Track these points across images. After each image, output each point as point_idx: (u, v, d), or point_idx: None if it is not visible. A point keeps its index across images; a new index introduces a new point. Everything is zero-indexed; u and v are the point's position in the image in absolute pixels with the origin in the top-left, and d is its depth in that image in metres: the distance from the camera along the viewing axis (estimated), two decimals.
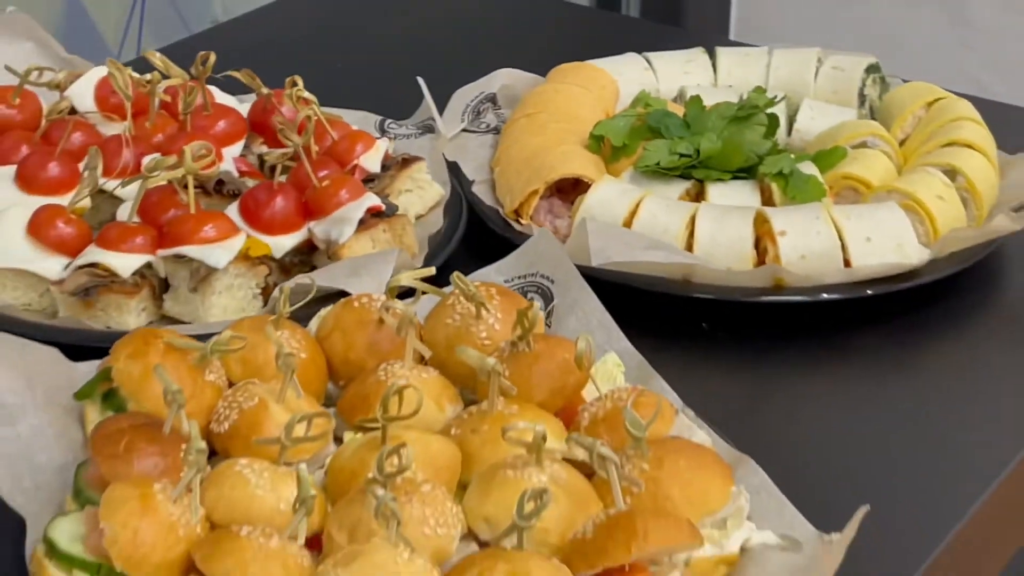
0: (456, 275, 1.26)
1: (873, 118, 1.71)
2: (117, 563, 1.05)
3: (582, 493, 1.11)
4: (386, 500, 1.03)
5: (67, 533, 1.09)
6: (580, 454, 1.12)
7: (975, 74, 2.86)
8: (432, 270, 1.29)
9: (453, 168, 1.62)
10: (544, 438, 1.10)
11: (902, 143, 1.65)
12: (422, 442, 1.13)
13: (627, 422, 1.12)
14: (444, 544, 1.07)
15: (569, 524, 1.08)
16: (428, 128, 1.68)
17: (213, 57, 1.56)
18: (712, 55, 1.78)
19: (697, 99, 1.60)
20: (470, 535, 1.10)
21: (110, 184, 1.48)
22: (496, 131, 1.69)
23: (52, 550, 1.07)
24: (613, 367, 1.29)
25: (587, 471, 1.14)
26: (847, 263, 1.45)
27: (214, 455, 1.16)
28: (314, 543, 1.09)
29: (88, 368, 1.25)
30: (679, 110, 1.62)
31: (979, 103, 1.69)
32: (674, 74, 1.76)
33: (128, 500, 1.06)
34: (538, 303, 1.28)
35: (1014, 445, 1.31)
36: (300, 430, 1.12)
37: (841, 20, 3.15)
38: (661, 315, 1.45)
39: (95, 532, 1.07)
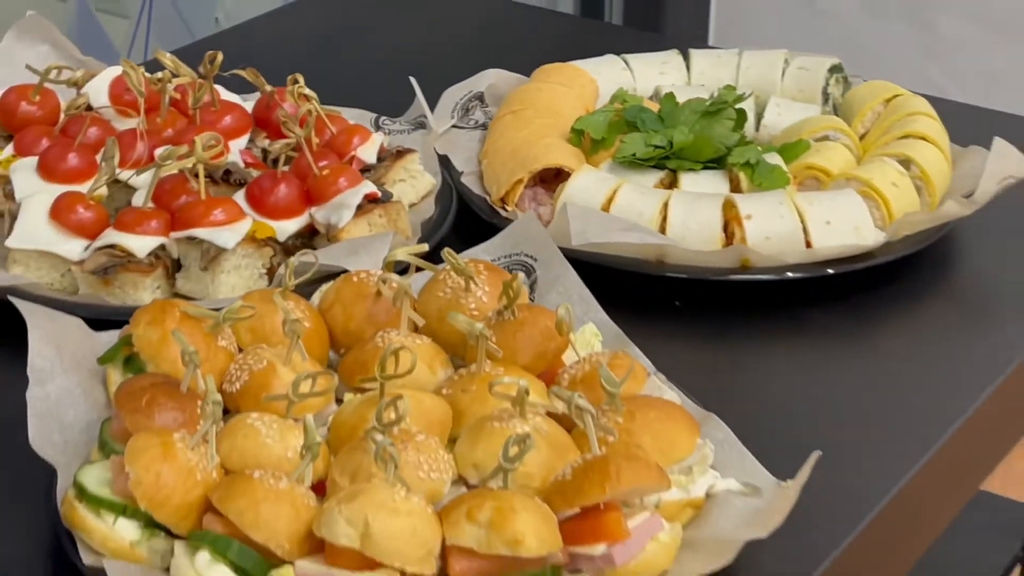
0: (447, 251, 1.37)
1: (836, 114, 1.82)
2: (141, 503, 1.15)
3: (562, 442, 1.22)
4: (384, 445, 1.14)
5: (95, 478, 1.19)
6: (560, 406, 1.24)
7: (937, 81, 2.99)
8: (425, 247, 1.40)
9: (444, 161, 1.73)
10: (527, 392, 1.21)
11: (862, 137, 1.76)
12: (416, 399, 1.24)
13: (602, 379, 1.23)
14: (437, 487, 1.18)
15: (550, 469, 1.19)
16: (420, 124, 1.79)
17: (220, 56, 1.67)
18: (686, 57, 1.90)
19: (671, 95, 1.71)
20: (460, 481, 1.21)
21: (125, 174, 1.59)
22: (483, 127, 1.80)
23: (81, 493, 1.17)
24: (591, 336, 1.41)
25: (567, 425, 1.25)
26: (808, 244, 1.56)
27: (227, 413, 1.26)
28: (319, 489, 1.19)
29: (110, 337, 1.36)
30: (654, 107, 1.73)
31: (936, 101, 1.80)
32: (650, 74, 1.87)
33: (150, 447, 1.17)
34: (522, 277, 1.40)
35: (956, 410, 1.41)
36: (306, 387, 1.23)
37: (813, 29, 3.27)
38: (636, 293, 1.55)
39: (121, 476, 1.17)
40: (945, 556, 2.04)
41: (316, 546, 1.14)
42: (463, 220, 1.65)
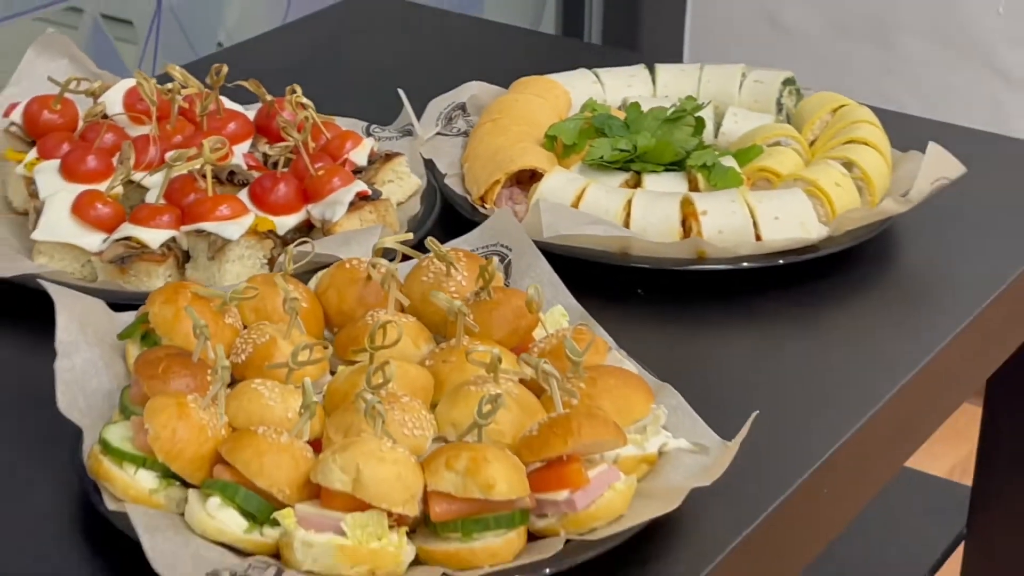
0: (430, 239, 1.52)
1: (789, 123, 1.97)
2: (159, 456, 1.28)
3: (531, 404, 1.36)
4: (373, 403, 1.29)
5: (117, 435, 1.32)
6: (529, 372, 1.39)
7: (897, 97, 3.15)
8: (410, 235, 1.55)
9: (429, 164, 1.87)
10: (500, 359, 1.36)
11: (812, 143, 1.92)
12: (402, 368, 1.38)
13: (567, 349, 1.38)
14: (419, 443, 1.32)
15: (519, 427, 1.33)
16: (407, 132, 1.94)
17: (226, 68, 1.82)
18: (652, 71, 2.06)
19: (636, 105, 1.87)
20: (440, 439, 1.35)
21: (138, 175, 1.74)
22: (465, 134, 1.94)
23: (106, 448, 1.30)
24: (559, 316, 1.55)
25: (536, 392, 1.40)
26: (758, 237, 1.71)
27: (233, 382, 1.41)
28: (315, 447, 1.33)
29: (128, 316, 1.50)
30: (621, 115, 1.89)
31: (883, 112, 1.96)
32: (619, 87, 2.02)
33: (167, 407, 1.30)
34: (497, 262, 1.55)
35: (889, 384, 1.56)
36: (304, 355, 1.38)
37: (781, 48, 3.43)
38: (602, 282, 1.69)
39: (141, 433, 1.30)
40: (891, 533, 2.20)
41: (313, 492, 1.27)
42: (446, 217, 1.79)
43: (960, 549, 2.21)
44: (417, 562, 1.27)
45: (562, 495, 1.29)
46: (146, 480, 1.31)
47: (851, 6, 3.44)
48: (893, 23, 3.40)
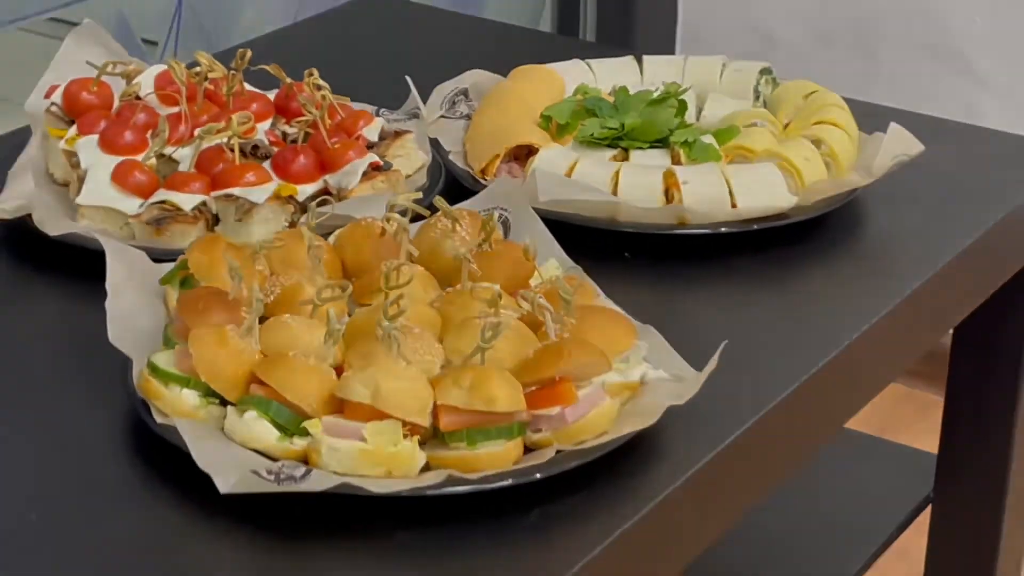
0: (438, 198, 1.69)
1: (765, 108, 2.16)
2: (202, 376, 1.44)
3: (528, 337, 1.52)
4: (390, 329, 1.47)
5: (164, 360, 1.47)
6: (526, 307, 1.56)
7: (878, 101, 3.32)
8: (419, 194, 1.72)
9: (434, 143, 2.04)
10: (500, 295, 1.53)
11: (786, 126, 2.09)
12: (413, 308, 1.54)
13: (559, 290, 1.56)
14: (429, 367, 1.46)
15: (518, 355, 1.48)
16: (414, 115, 2.09)
17: (250, 53, 1.99)
18: (640, 62, 2.24)
19: (624, 88, 2.03)
20: (448, 366, 1.53)
21: (169, 149, 1.92)
22: (467, 117, 2.08)
23: (154, 370, 1.46)
24: (553, 268, 1.72)
25: (533, 329, 1.57)
26: (734, 206, 1.88)
27: (263, 321, 1.58)
28: (337, 373, 1.50)
29: (168, 266, 1.66)
30: (610, 99, 2.07)
31: (853, 102, 2.13)
32: (609, 75, 2.17)
33: (208, 334, 1.46)
34: (496, 216, 1.73)
35: (847, 333, 1.71)
36: (327, 293, 1.55)
37: (767, 53, 3.61)
38: (592, 246, 1.82)
39: (185, 358, 1.47)
40: (862, 495, 2.36)
41: (335, 408, 1.43)
42: (450, 189, 1.95)
43: (928, 511, 2.37)
44: (427, 468, 1.44)
45: (554, 411, 1.45)
46: (190, 398, 1.47)
47: (834, 16, 3.64)
48: (875, 33, 3.60)
